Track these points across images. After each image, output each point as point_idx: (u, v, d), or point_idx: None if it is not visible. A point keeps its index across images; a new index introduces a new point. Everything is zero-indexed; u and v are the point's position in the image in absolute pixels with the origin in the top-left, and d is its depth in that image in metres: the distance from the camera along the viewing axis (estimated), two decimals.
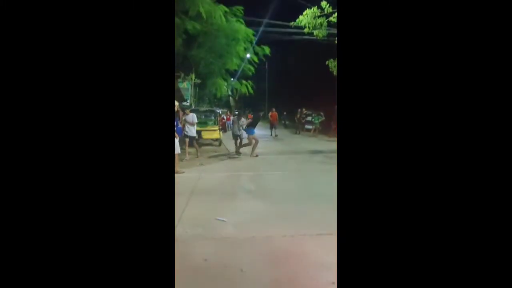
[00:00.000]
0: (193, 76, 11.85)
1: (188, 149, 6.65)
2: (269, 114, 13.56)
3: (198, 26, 6.22)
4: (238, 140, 7.40)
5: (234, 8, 7.29)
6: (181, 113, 9.91)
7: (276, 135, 12.28)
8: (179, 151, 5.34)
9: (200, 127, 9.59)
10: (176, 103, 5.74)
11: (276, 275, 2.02)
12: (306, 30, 8.31)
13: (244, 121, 7.57)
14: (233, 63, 7.90)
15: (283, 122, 17.82)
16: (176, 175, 5.01)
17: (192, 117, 6.73)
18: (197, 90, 13.76)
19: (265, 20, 11.15)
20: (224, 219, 3.00)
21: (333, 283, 1.91)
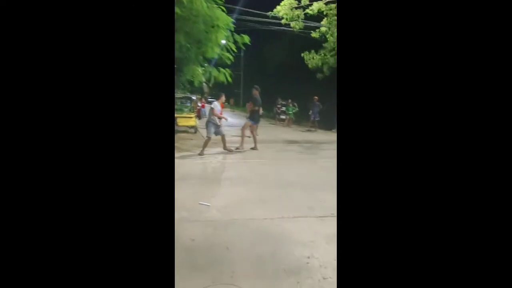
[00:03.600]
0: None
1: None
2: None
3: (178, 11, 6.12)
4: (211, 133, 5.99)
5: None
6: None
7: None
8: None
9: (176, 113, 9.51)
10: None
11: (258, 252, 2.25)
12: (283, 21, 8.44)
13: (217, 106, 6.17)
14: (213, 51, 7.88)
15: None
16: None
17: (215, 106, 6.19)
18: None
19: (243, 8, 11.14)
20: (208, 204, 3.17)
21: (308, 257, 2.18)
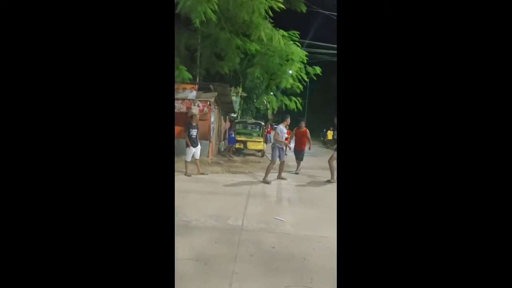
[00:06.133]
0: (240, 90, 12.76)
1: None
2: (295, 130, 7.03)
3: (257, 47, 6.98)
4: (276, 157, 5.70)
5: (291, 32, 8.04)
6: (228, 123, 10.70)
7: (296, 173, 6.79)
8: (198, 157, 5.97)
9: (246, 137, 10.29)
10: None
11: (333, 266, 2.44)
12: None
13: (283, 130, 5.77)
14: (287, 82, 8.60)
15: (321, 138, 18.37)
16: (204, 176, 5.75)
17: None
18: (241, 103, 14.62)
19: (314, 42, 11.77)
20: (283, 219, 3.49)
21: None
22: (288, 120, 6.15)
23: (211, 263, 2.35)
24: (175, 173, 5.84)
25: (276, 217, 3.53)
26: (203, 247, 2.64)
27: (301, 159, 7.00)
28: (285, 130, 5.88)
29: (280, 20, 7.50)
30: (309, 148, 7.07)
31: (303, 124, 7.01)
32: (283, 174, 6.12)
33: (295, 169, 6.93)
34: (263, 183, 5.51)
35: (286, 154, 6.20)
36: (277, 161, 5.84)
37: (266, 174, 5.69)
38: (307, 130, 6.94)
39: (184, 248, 2.55)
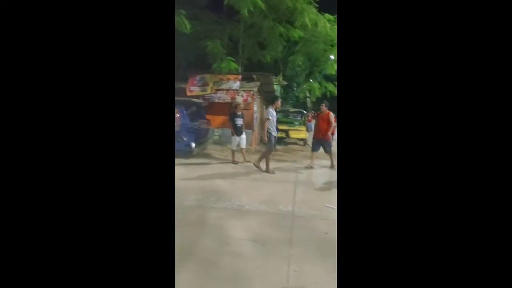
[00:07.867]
0: (280, 78, 12.69)
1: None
2: (315, 115, 5.91)
3: (301, 34, 6.84)
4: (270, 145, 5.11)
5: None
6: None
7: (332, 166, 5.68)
8: (244, 146, 6.00)
9: (288, 126, 10.25)
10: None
11: None
12: None
13: (274, 114, 5.03)
14: (332, 68, 8.36)
15: None
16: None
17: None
18: (281, 92, 14.54)
19: None
20: (333, 207, 3.49)
21: None
22: (279, 103, 5.36)
23: (268, 244, 2.46)
24: (222, 162, 6.09)
25: (326, 205, 3.55)
26: (258, 230, 2.77)
27: (329, 151, 5.71)
28: (275, 114, 5.13)
29: (325, 2, 7.24)
30: (332, 133, 5.70)
31: (324, 106, 5.68)
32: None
33: (330, 164, 5.80)
34: (306, 170, 5.51)
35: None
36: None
37: (259, 160, 5.20)
38: (331, 113, 5.59)
39: (242, 230, 2.70)
